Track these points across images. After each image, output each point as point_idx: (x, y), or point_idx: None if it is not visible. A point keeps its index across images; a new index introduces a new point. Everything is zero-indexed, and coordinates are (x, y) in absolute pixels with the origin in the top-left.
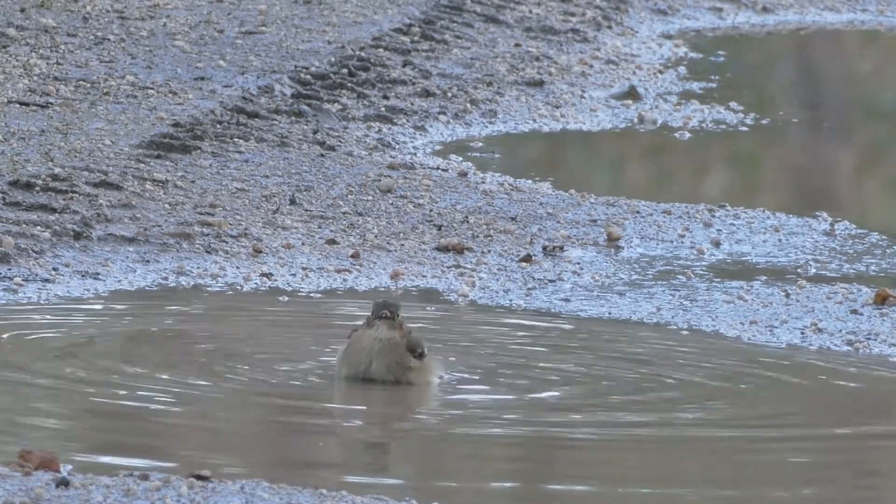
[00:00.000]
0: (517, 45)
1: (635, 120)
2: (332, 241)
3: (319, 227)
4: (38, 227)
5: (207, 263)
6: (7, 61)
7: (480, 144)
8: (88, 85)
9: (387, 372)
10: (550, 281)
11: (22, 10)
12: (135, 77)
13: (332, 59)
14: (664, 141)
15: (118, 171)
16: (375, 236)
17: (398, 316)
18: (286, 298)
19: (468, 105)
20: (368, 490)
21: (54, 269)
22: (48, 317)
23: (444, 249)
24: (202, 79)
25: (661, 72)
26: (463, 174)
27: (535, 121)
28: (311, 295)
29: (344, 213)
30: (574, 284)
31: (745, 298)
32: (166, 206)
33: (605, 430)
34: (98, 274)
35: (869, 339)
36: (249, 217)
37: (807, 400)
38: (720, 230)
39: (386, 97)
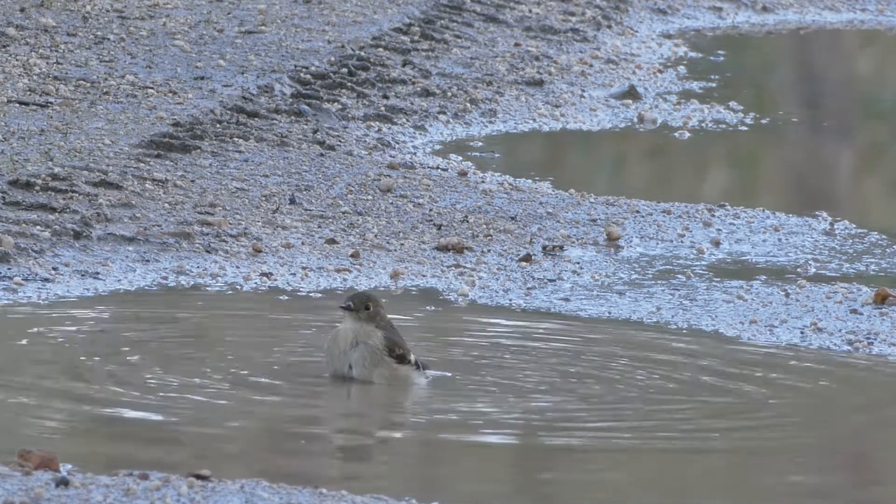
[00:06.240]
0: (517, 44)
1: (635, 119)
2: (331, 241)
3: (319, 227)
4: (38, 227)
5: (207, 263)
6: (7, 61)
7: (480, 144)
8: (88, 85)
9: (358, 367)
10: (550, 280)
11: (22, 10)
12: (135, 77)
13: (332, 59)
14: (664, 141)
15: (118, 170)
16: (375, 236)
17: (365, 308)
18: (286, 298)
19: (468, 105)
20: (368, 489)
21: (54, 269)
22: (48, 316)
23: (443, 249)
24: (202, 78)
25: (660, 71)
26: (463, 174)
27: (534, 120)
28: (311, 294)
29: (344, 213)
30: (574, 284)
31: (745, 298)
32: (166, 205)
33: (607, 433)
34: (98, 273)
35: (869, 338)
36: (249, 216)
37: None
38: (720, 230)
39: (386, 97)
